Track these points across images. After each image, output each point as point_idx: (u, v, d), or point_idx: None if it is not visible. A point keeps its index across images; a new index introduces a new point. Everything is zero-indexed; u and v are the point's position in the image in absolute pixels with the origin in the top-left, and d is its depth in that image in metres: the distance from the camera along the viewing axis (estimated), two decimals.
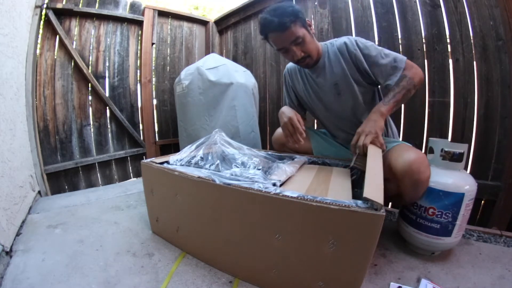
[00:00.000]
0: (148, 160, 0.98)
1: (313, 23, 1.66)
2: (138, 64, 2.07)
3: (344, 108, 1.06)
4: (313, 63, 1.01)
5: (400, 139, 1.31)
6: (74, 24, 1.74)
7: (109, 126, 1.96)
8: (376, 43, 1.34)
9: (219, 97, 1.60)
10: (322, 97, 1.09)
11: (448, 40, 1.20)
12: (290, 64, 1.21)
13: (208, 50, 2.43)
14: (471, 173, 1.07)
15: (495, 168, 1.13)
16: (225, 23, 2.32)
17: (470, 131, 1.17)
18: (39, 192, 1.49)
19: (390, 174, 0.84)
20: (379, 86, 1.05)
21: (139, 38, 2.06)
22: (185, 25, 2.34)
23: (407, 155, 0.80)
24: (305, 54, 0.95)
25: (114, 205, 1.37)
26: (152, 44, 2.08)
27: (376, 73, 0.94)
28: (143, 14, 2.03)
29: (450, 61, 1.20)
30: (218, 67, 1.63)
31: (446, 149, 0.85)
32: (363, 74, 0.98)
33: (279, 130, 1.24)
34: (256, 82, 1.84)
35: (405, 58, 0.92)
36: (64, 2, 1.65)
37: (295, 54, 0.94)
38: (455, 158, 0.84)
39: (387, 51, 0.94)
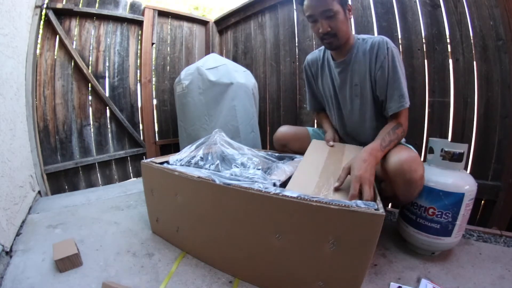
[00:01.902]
0: (148, 160, 0.98)
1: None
2: (138, 64, 2.07)
3: (356, 113, 1.03)
4: (337, 45, 0.94)
5: None
6: (74, 24, 1.73)
7: (109, 126, 1.96)
8: None
9: (219, 97, 1.60)
10: (339, 94, 1.06)
11: (448, 40, 1.20)
12: (311, 56, 1.16)
13: (208, 50, 2.43)
14: (471, 173, 1.07)
15: (495, 168, 1.13)
16: (225, 23, 2.31)
17: (470, 131, 1.17)
18: (39, 192, 1.49)
19: (383, 175, 0.84)
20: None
21: (139, 38, 2.06)
22: (185, 25, 2.34)
23: (398, 155, 0.80)
24: (332, 30, 0.89)
25: (114, 205, 1.37)
26: (152, 44, 2.08)
27: (381, 87, 0.92)
28: (143, 14, 2.03)
29: (450, 61, 1.20)
30: (218, 67, 1.63)
31: (446, 149, 0.85)
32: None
33: (281, 129, 1.24)
34: (256, 82, 1.84)
35: (407, 102, 0.90)
36: (64, 2, 1.65)
37: (322, 26, 0.88)
38: (455, 158, 0.84)
39: (403, 80, 0.90)
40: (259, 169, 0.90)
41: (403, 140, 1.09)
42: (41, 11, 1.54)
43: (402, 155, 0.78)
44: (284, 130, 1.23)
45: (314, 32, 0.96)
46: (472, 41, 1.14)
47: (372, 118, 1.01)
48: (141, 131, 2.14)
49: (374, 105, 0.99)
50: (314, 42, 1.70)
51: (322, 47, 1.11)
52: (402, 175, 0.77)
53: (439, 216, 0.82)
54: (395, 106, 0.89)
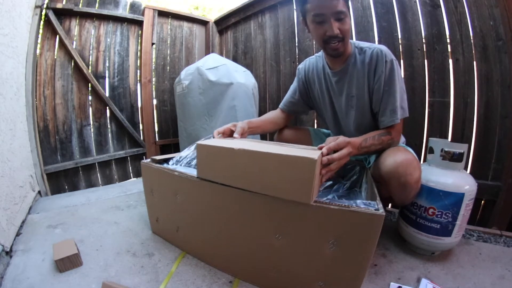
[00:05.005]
0: (148, 159, 0.98)
1: None
2: (138, 64, 2.07)
3: (350, 123, 1.01)
4: (342, 50, 0.89)
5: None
6: (74, 24, 1.73)
7: (109, 126, 1.96)
8: (376, 43, 1.33)
9: (219, 97, 1.60)
10: (335, 103, 1.05)
11: (448, 40, 1.20)
12: (310, 60, 1.11)
13: (208, 50, 2.43)
14: (471, 173, 1.07)
15: (495, 168, 1.13)
16: (225, 23, 2.31)
17: (470, 131, 1.17)
18: (39, 192, 1.49)
19: (378, 177, 0.84)
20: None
21: (139, 38, 2.06)
22: (185, 25, 2.34)
23: (394, 157, 0.79)
24: (341, 34, 0.84)
25: (114, 205, 1.37)
26: (152, 44, 2.08)
27: (376, 100, 0.91)
28: (143, 14, 2.03)
29: (450, 61, 1.20)
30: (218, 67, 1.63)
31: (446, 149, 0.85)
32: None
33: (282, 130, 1.23)
34: (256, 82, 1.84)
35: (402, 114, 0.89)
36: (64, 2, 1.65)
37: (331, 28, 0.81)
38: (455, 158, 0.84)
39: (398, 94, 0.88)
40: None
41: (402, 140, 1.09)
42: (41, 11, 1.54)
43: (398, 158, 0.77)
44: (285, 130, 1.22)
45: (318, 34, 0.87)
46: (472, 41, 1.14)
47: (368, 129, 0.98)
48: (141, 131, 2.14)
49: (371, 117, 0.97)
50: (314, 42, 1.70)
51: (319, 54, 1.06)
52: (397, 178, 0.76)
53: (439, 216, 0.82)
54: (386, 120, 0.88)
